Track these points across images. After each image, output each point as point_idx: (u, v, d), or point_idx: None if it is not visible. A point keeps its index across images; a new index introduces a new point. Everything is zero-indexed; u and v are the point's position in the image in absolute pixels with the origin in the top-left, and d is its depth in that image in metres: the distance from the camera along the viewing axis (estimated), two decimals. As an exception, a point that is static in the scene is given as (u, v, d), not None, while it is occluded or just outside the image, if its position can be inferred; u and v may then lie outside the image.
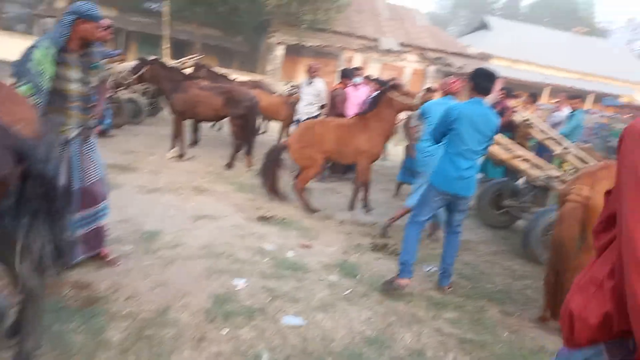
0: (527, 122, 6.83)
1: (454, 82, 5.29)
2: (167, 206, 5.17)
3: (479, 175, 7.58)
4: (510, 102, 7.77)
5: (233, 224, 4.97)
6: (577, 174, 3.59)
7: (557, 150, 6.82)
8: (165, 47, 13.21)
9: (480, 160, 7.08)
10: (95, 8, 3.12)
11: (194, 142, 8.86)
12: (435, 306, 3.78)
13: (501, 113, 7.78)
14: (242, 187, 6.49)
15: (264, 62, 21.31)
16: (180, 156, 7.45)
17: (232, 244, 4.41)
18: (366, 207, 6.13)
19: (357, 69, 8.69)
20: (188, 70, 10.17)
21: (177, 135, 7.40)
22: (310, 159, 5.78)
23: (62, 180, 3.18)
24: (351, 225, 5.66)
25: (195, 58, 10.88)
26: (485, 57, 23.37)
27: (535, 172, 5.44)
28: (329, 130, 5.83)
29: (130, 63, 7.62)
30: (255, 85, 10.31)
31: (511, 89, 8.43)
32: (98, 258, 3.56)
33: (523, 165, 5.45)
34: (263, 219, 5.28)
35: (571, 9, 48.43)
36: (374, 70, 19.90)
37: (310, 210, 5.80)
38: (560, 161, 7.38)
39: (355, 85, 7.79)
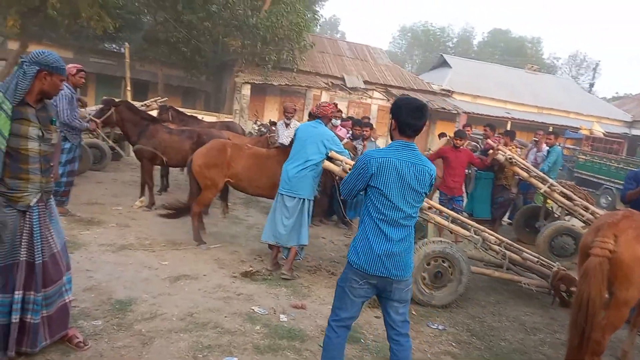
0: (511, 161, 6.71)
1: (327, 105, 5.12)
2: (139, 267, 4.60)
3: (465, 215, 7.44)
4: (492, 141, 7.69)
5: (216, 284, 4.44)
6: (596, 224, 3.33)
7: (542, 188, 6.73)
8: (128, 89, 12.65)
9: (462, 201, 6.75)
10: (60, 59, 2.71)
11: (164, 189, 8.29)
12: (454, 374, 3.38)
13: (485, 152, 7.71)
14: (220, 237, 5.98)
15: (229, 101, 20.99)
16: (150, 205, 6.87)
17: (217, 309, 3.88)
18: None
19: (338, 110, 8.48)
20: (153, 113, 9.70)
21: (145, 182, 6.84)
22: (210, 180, 5.39)
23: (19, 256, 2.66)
24: (342, 277, 5.23)
25: (160, 100, 10.42)
26: (447, 93, 24.00)
27: None
28: (242, 155, 5.46)
29: (92, 107, 7.07)
30: (225, 126, 9.90)
31: (494, 126, 8.40)
32: (63, 341, 2.98)
33: None
34: (248, 275, 4.78)
35: (518, 46, 51.19)
36: (341, 107, 19.94)
37: (197, 239, 5.49)
38: (544, 197, 7.30)
39: (334, 126, 7.52)
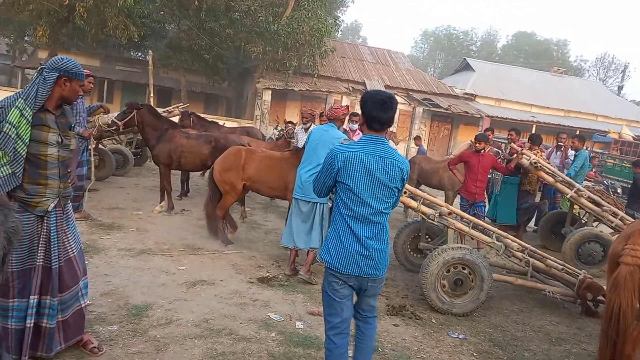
0: (536, 165, 6.53)
1: (339, 108, 4.99)
2: (157, 272, 4.61)
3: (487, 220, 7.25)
4: (518, 145, 7.49)
5: (232, 289, 4.42)
6: (627, 232, 3.17)
7: (569, 193, 6.52)
8: (151, 95, 12.87)
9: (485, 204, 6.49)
10: (79, 65, 2.74)
11: (184, 194, 8.36)
12: (474, 386, 3.26)
13: (510, 157, 7.52)
14: (239, 242, 5.96)
15: (251, 107, 21.16)
16: (169, 210, 6.92)
17: (233, 316, 3.85)
18: None
19: (354, 114, 8.41)
20: (175, 119, 9.83)
21: (164, 187, 6.90)
22: (229, 184, 5.65)
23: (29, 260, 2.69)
24: (360, 283, 5.15)
25: (182, 106, 10.54)
26: (470, 97, 23.66)
27: (426, 210, 4.83)
28: (255, 158, 5.67)
29: (115, 114, 7.18)
30: (245, 131, 9.95)
31: (519, 130, 8.19)
32: (78, 346, 2.99)
33: (413, 203, 4.82)
34: (265, 281, 4.75)
35: (544, 49, 50.17)
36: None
37: (224, 242, 5.73)
38: (570, 203, 7.08)
39: (352, 131, 7.46)
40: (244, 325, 3.70)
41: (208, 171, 9.71)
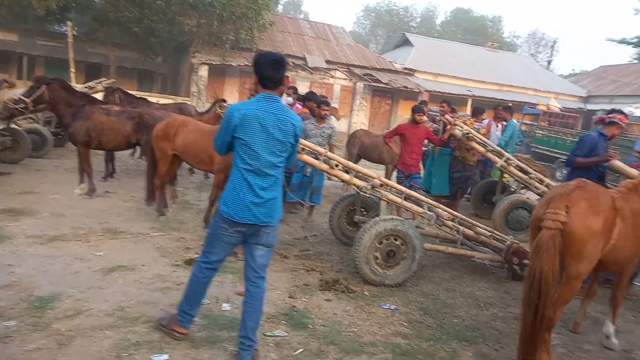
0: (468, 136, 6.60)
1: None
2: (70, 259, 4.23)
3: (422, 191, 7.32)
4: (450, 116, 7.54)
5: (155, 274, 4.13)
6: (548, 196, 3.19)
7: (499, 162, 6.67)
8: (72, 70, 11.91)
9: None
10: None
11: (109, 174, 7.82)
12: (403, 358, 3.22)
13: (443, 128, 7.58)
14: (167, 224, 5.64)
15: (187, 83, 20.24)
16: (91, 192, 6.43)
17: (153, 302, 3.59)
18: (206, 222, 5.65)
19: (291, 88, 8.15)
20: (99, 95, 9.14)
21: (84, 168, 6.38)
22: (161, 151, 5.72)
23: None
24: (296, 259, 5.02)
25: (107, 81, 9.81)
26: (410, 72, 23.90)
27: (359, 183, 4.77)
28: (186, 130, 5.63)
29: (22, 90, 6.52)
30: (178, 108, 9.42)
31: (450, 102, 8.27)
32: (-37, 347, 2.64)
33: (345, 176, 4.75)
34: (192, 263, 4.47)
35: (480, 25, 51.61)
36: (303, 88, 19.57)
37: (158, 212, 5.82)
38: (500, 172, 7.26)
39: (289, 105, 7.21)
40: (164, 311, 3.45)
41: (139, 150, 9.23)
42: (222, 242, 2.89)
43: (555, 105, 19.66)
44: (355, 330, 3.55)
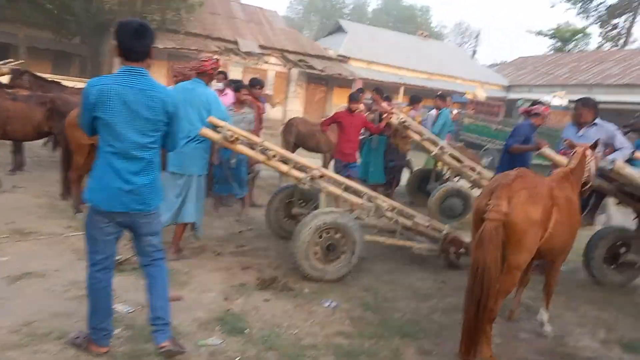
0: (404, 124, 6.59)
1: (207, 60, 4.47)
2: (-34, 267, 3.68)
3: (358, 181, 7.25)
4: (385, 104, 7.50)
5: (70, 280, 3.69)
6: (490, 186, 3.16)
7: (434, 150, 6.73)
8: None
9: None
10: None
11: (18, 167, 7.02)
12: (345, 357, 3.08)
13: (379, 116, 7.53)
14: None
15: (109, 66, 18.87)
16: (-5, 188, 5.72)
17: (67, 313, 3.19)
18: None
19: (221, 72, 7.72)
20: (4, 79, 8.17)
21: (-14, 161, 5.65)
22: (75, 142, 5.24)
23: None
24: (231, 256, 4.74)
25: (15, 63, 8.80)
26: (344, 59, 23.93)
27: (298, 174, 4.55)
28: None
29: None
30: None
31: (382, 90, 8.23)
32: None
33: (283, 167, 4.51)
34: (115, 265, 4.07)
35: (409, 14, 52.95)
36: (236, 74, 18.92)
37: (76, 206, 5.35)
38: (435, 161, 7.36)
39: (219, 90, 6.81)
40: (80, 324, 3.05)
41: (51, 140, 8.38)
42: (101, 236, 2.61)
43: (482, 94, 20.55)
44: (296, 332, 3.37)
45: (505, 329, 3.74)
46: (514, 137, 5.38)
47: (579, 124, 5.37)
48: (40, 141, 8.39)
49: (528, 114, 5.55)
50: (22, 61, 10.19)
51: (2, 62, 8.58)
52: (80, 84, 12.87)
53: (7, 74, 8.47)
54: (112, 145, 2.50)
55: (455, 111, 10.87)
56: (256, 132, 6.27)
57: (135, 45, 2.49)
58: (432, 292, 4.37)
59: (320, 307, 3.81)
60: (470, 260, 3.01)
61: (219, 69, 5.44)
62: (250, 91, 6.42)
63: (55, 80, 9.02)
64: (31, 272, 3.73)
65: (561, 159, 4.32)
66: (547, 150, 4.63)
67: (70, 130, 5.15)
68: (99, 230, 2.60)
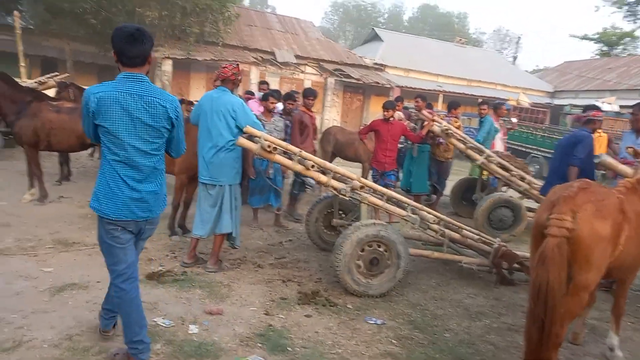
0: (447, 132, 6.34)
1: (227, 66, 4.40)
2: (12, 277, 3.71)
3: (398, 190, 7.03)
4: (426, 112, 7.26)
5: (111, 292, 3.65)
6: (550, 199, 2.89)
7: (479, 159, 6.44)
8: (22, 64, 11.07)
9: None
10: None
11: (65, 177, 7.20)
12: (395, 382, 2.88)
13: (421, 124, 7.30)
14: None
15: (150, 78, 19.39)
16: (42, 198, 5.83)
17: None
18: (182, 229, 5.35)
19: (264, 83, 7.70)
20: (51, 92, 8.43)
21: (33, 171, 5.77)
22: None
23: None
24: (271, 268, 4.61)
25: (60, 76, 9.08)
26: (380, 67, 23.71)
27: (337, 185, 4.32)
28: None
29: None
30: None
31: (425, 97, 7.99)
32: None
33: (322, 178, 4.29)
34: (154, 277, 4.02)
35: (446, 21, 52.18)
36: (273, 84, 19.05)
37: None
38: (480, 169, 7.05)
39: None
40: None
41: (98, 151, 8.59)
42: (117, 245, 2.55)
43: (525, 100, 19.86)
44: (340, 351, 3.19)
45: (569, 354, 3.42)
46: (579, 153, 4.77)
47: (637, 130, 4.99)
48: (87, 152, 8.62)
49: (580, 121, 5.12)
50: (68, 74, 10.51)
51: (48, 76, 8.87)
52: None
53: (53, 87, 8.76)
54: (115, 153, 2.45)
55: (514, 120, 10.45)
56: (310, 141, 6.26)
57: (130, 50, 2.41)
58: (485, 310, 4.08)
59: (365, 324, 3.62)
60: (531, 279, 2.74)
61: (262, 80, 5.40)
62: (303, 101, 6.41)
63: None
64: (73, 284, 3.72)
65: (626, 169, 3.96)
66: (608, 159, 4.27)
67: None
68: (115, 239, 2.54)
